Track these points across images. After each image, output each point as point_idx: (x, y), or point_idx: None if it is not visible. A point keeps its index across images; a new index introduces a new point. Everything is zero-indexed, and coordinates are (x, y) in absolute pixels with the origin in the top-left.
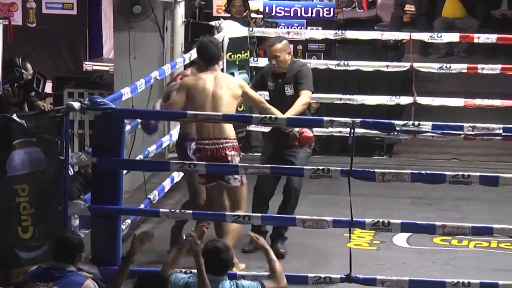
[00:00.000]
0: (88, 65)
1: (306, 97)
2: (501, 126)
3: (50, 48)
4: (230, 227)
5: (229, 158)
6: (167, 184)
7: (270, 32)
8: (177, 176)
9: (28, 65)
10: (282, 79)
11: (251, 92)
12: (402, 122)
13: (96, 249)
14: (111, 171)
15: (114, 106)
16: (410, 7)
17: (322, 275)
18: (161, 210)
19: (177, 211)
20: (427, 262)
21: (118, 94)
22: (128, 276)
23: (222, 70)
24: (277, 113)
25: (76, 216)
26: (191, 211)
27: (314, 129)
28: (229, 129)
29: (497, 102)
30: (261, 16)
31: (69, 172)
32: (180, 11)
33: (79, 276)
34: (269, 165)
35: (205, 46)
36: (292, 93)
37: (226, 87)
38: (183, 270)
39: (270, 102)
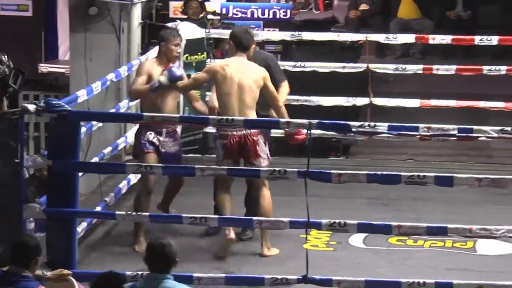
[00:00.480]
0: (44, 67)
1: (287, 87)
2: (456, 126)
3: (5, 50)
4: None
5: (257, 143)
6: (123, 187)
7: (227, 33)
8: (134, 178)
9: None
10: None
11: (272, 87)
12: (358, 123)
13: (52, 253)
14: (67, 173)
15: (69, 108)
16: (364, 6)
17: (279, 276)
18: (117, 212)
19: (134, 213)
20: (383, 262)
21: (73, 96)
22: (85, 279)
23: None
24: (285, 115)
25: (31, 219)
26: (147, 213)
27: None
28: (253, 115)
29: (452, 103)
30: (218, 17)
31: (24, 175)
32: (137, 12)
33: (32, 282)
34: (227, 167)
35: (240, 32)
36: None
37: (252, 76)
38: (139, 273)
39: None
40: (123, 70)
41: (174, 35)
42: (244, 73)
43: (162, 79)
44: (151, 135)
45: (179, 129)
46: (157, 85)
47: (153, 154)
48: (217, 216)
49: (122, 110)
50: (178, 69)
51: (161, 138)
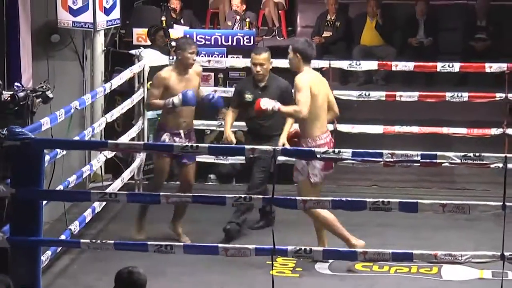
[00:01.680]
0: (6, 95)
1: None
2: (419, 152)
3: None
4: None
5: None
6: (88, 215)
7: None
8: (98, 206)
9: None
10: (262, 91)
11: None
12: (322, 150)
13: (16, 281)
14: (31, 201)
15: (33, 136)
16: (327, 33)
17: None
18: (82, 241)
19: (98, 241)
20: None
21: (37, 124)
22: None
23: (142, 99)
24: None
25: None
26: (112, 241)
27: (236, 158)
28: None
29: (415, 129)
30: None
31: None
32: (100, 39)
33: None
34: (192, 194)
35: (304, 44)
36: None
37: (327, 88)
38: None
39: (247, 113)
40: (87, 98)
41: (189, 43)
42: (324, 85)
43: (176, 101)
44: (167, 137)
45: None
46: (170, 105)
47: (166, 158)
48: (182, 243)
49: (86, 138)
50: (191, 95)
51: (177, 140)
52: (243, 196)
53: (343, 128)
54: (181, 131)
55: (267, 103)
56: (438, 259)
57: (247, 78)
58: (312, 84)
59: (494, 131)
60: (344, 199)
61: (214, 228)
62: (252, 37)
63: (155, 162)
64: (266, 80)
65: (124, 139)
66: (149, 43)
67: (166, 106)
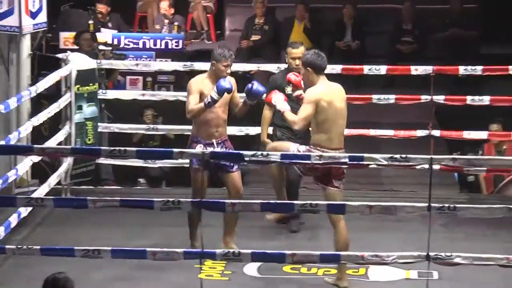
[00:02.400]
0: None
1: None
2: (347, 154)
3: None
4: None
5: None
6: (13, 220)
7: (118, 64)
8: (24, 211)
9: None
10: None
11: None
12: (251, 153)
13: None
14: None
15: None
16: (255, 37)
17: None
18: (7, 246)
19: (24, 247)
20: None
21: None
22: None
23: (69, 103)
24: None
25: None
26: (38, 247)
27: (164, 161)
28: None
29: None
30: (110, 48)
31: None
32: (26, 43)
33: None
34: (119, 198)
35: (312, 55)
36: None
37: (342, 99)
38: None
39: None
40: (12, 101)
41: (225, 56)
42: (337, 97)
43: (213, 94)
44: (200, 148)
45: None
46: (209, 101)
47: (199, 169)
48: (110, 248)
49: (12, 142)
50: (224, 81)
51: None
52: (171, 200)
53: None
54: (214, 141)
55: (278, 100)
56: (365, 260)
57: (281, 73)
58: (321, 98)
59: (420, 133)
60: (272, 201)
61: (143, 232)
62: (180, 41)
63: (193, 180)
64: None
65: (51, 143)
66: (76, 46)
67: (207, 106)
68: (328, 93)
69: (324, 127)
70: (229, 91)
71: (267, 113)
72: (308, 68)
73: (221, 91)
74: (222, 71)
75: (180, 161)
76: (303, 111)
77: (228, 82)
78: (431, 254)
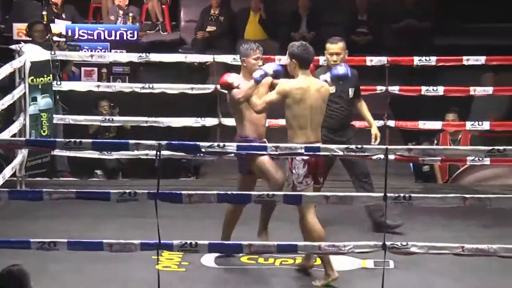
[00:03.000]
0: None
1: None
2: (303, 145)
3: None
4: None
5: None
6: None
7: (73, 55)
8: None
9: None
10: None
11: None
12: (207, 144)
13: None
14: None
15: None
16: (211, 28)
17: None
18: None
19: None
20: (234, 282)
21: None
22: None
23: (24, 95)
24: None
25: None
26: None
27: (120, 153)
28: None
29: None
30: (64, 39)
31: None
32: None
33: None
34: (75, 190)
35: (299, 48)
36: (352, 95)
37: (320, 96)
38: None
39: (328, 105)
40: None
41: (253, 48)
42: (314, 94)
43: (267, 69)
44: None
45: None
46: (262, 76)
47: (250, 177)
48: (66, 240)
49: None
50: (341, 66)
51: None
52: (127, 191)
53: (228, 121)
54: (265, 140)
55: (233, 78)
56: (322, 250)
57: (322, 69)
58: (291, 92)
59: (375, 123)
60: (229, 192)
61: (99, 223)
62: (135, 32)
63: (239, 182)
64: None
65: (5, 135)
66: (30, 38)
67: (257, 81)
68: (302, 88)
69: (298, 121)
70: (345, 77)
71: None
72: (293, 60)
73: (336, 79)
74: (253, 64)
75: (136, 152)
76: (268, 96)
77: (345, 67)
78: (387, 243)
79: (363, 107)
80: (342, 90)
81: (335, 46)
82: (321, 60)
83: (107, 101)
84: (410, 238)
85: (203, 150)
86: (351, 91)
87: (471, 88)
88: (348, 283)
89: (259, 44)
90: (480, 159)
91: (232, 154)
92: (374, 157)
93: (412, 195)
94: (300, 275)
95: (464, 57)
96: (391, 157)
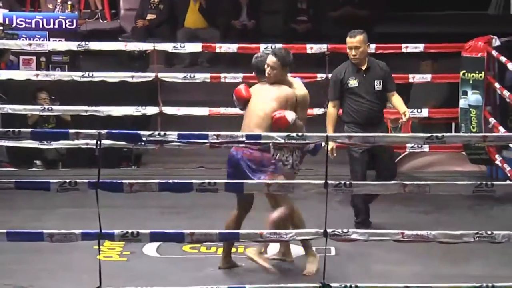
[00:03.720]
0: None
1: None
2: (244, 133)
3: None
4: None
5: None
6: None
7: (11, 44)
8: None
9: None
10: (367, 73)
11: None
12: (148, 133)
13: None
14: None
15: None
16: (150, 16)
17: None
18: None
19: None
20: (176, 271)
21: None
22: None
23: None
24: None
25: None
26: None
27: (60, 142)
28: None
29: (240, 110)
30: (1, 28)
31: None
32: None
33: None
34: (14, 180)
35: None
36: (380, 88)
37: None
38: None
39: (353, 99)
40: None
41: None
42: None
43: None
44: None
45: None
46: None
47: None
48: (5, 231)
49: None
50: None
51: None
52: (68, 181)
53: (169, 110)
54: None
55: (291, 116)
56: (264, 237)
57: (343, 65)
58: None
59: (316, 111)
60: (171, 181)
61: (39, 214)
62: (74, 20)
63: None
64: (366, 62)
65: None
66: None
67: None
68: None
69: None
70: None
71: (332, 110)
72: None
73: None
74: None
75: (76, 142)
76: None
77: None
78: (328, 230)
79: (396, 100)
80: (366, 84)
81: (354, 40)
82: (261, 48)
83: (47, 93)
84: (351, 225)
85: (144, 139)
86: (377, 84)
87: (410, 76)
88: (290, 271)
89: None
90: (419, 146)
91: (173, 143)
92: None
93: (353, 182)
94: (243, 263)
95: (403, 45)
96: (331, 144)
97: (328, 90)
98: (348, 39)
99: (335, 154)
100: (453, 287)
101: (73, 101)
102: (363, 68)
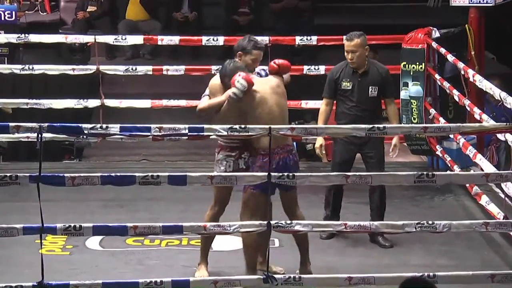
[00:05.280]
0: None
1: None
2: (187, 126)
3: None
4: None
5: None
6: None
7: None
8: None
9: None
10: (363, 77)
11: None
12: (90, 125)
13: None
14: None
15: None
16: (91, 8)
17: (13, 284)
18: None
19: None
20: (120, 264)
21: None
22: None
23: None
24: None
25: None
26: None
27: (1, 135)
28: None
29: (182, 103)
30: None
31: None
32: None
33: None
34: None
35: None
36: (375, 95)
37: None
38: None
39: (344, 102)
40: None
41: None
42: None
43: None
44: None
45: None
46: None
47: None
48: None
49: None
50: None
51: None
52: (8, 175)
53: (111, 103)
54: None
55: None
56: (208, 230)
57: (341, 64)
58: None
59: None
60: (113, 174)
61: None
62: (13, 12)
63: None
64: (366, 65)
65: None
66: None
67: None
68: None
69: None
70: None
71: (324, 108)
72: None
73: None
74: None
75: (16, 135)
76: None
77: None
78: (272, 222)
79: (390, 110)
80: (360, 88)
81: (351, 43)
82: (204, 40)
83: None
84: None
85: (85, 131)
86: (372, 90)
87: None
88: (230, 261)
89: (140, 23)
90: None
91: (116, 136)
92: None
93: (296, 173)
94: (186, 256)
95: (344, 36)
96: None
97: (324, 87)
98: (345, 42)
99: (324, 152)
100: (395, 277)
101: (13, 94)
102: (360, 71)
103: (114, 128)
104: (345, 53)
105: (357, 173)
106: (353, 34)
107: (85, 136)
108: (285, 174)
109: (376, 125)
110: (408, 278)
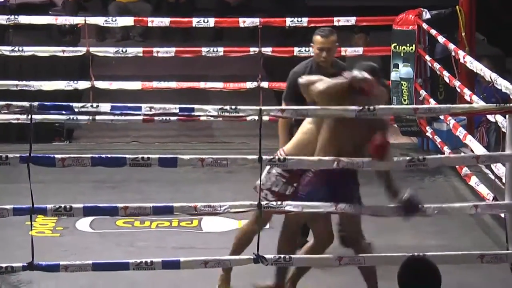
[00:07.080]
0: None
1: None
2: (178, 106)
3: None
4: None
5: None
6: None
7: None
8: None
9: None
10: (332, 78)
11: None
12: (80, 104)
13: None
14: None
15: None
16: None
17: (3, 265)
18: None
19: None
20: (110, 245)
21: None
22: None
23: None
24: None
25: None
26: None
27: None
28: None
29: (173, 84)
30: None
31: None
32: None
33: None
34: None
35: None
36: None
37: None
38: None
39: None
40: None
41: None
42: None
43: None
44: None
45: None
46: None
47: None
48: None
49: None
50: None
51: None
52: None
53: (101, 85)
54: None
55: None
56: (198, 210)
57: (304, 64)
58: None
59: (250, 85)
60: (103, 156)
61: None
62: None
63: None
64: (333, 66)
65: None
66: None
67: None
68: None
69: None
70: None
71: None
72: None
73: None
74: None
75: (7, 116)
76: None
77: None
78: (262, 203)
79: None
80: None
81: (327, 40)
82: (194, 21)
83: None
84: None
85: (76, 110)
86: None
87: (342, 49)
88: (220, 243)
89: (130, 5)
90: None
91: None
92: (248, 118)
93: (287, 157)
94: (177, 237)
95: (335, 18)
96: (265, 118)
97: (285, 90)
98: (318, 38)
99: None
100: (384, 256)
101: (2, 76)
102: (330, 72)
103: (105, 106)
104: (316, 51)
105: (349, 159)
106: (327, 30)
107: (75, 116)
108: (276, 157)
109: (366, 107)
110: (409, 257)
